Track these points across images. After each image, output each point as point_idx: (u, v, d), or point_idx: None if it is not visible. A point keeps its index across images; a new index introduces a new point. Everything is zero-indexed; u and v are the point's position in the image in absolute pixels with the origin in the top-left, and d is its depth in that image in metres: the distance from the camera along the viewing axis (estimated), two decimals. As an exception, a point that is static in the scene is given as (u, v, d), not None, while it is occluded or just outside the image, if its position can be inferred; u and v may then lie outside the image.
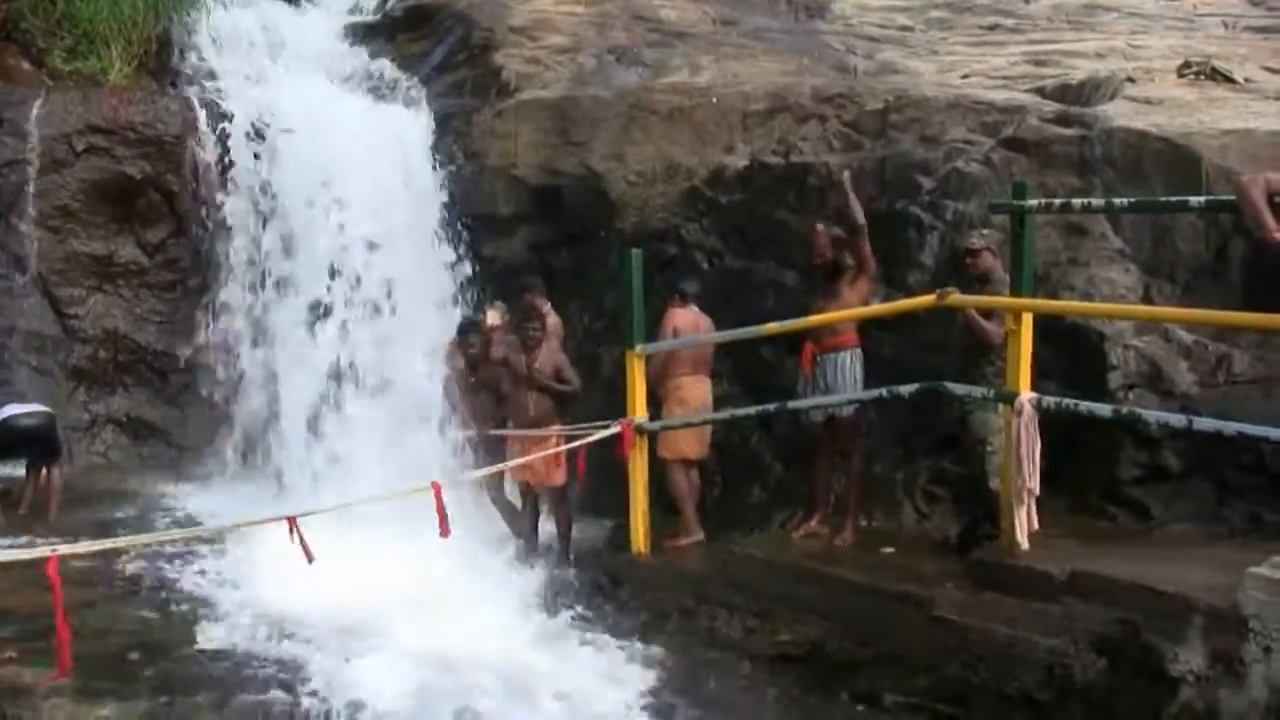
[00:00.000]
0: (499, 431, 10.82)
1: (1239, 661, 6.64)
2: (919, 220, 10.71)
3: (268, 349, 12.27)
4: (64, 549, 6.94)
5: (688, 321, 10.51)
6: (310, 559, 7.39)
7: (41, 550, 6.92)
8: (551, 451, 10.13)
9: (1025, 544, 8.16)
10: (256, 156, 12.68)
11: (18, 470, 11.43)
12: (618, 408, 10.11)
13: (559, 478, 10.47)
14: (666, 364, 10.45)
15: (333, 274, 12.10)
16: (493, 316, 11.49)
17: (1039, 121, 10.95)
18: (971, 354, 8.99)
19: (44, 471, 11.28)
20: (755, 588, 8.99)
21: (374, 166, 12.57)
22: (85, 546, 7.88)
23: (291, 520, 7.46)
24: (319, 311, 12.03)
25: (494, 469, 10.22)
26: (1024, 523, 8.18)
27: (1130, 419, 8.41)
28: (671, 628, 9.10)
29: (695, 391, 10.56)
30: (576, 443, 9.90)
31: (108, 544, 8.29)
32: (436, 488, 8.26)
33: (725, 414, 10.51)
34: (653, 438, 10.08)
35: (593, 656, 8.81)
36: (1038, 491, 8.20)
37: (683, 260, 11.99)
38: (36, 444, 11.23)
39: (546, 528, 10.86)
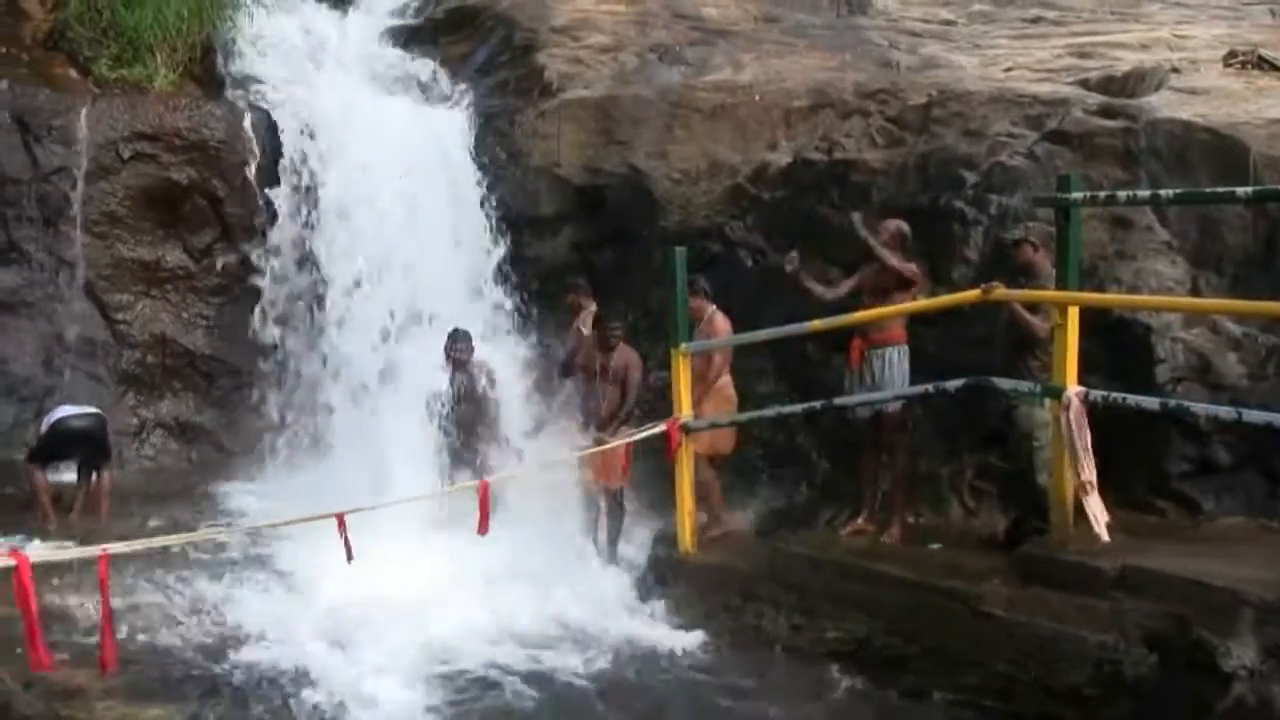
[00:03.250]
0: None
1: (1291, 656, 6.61)
2: (963, 215, 10.64)
3: (312, 349, 12.37)
4: (113, 548, 6.96)
5: (728, 322, 10.46)
6: (350, 557, 7.42)
7: (91, 550, 6.95)
8: (597, 450, 10.09)
9: (1105, 535, 8.02)
10: (301, 160, 12.73)
11: (66, 475, 11.54)
12: (661, 406, 10.08)
13: (615, 480, 10.40)
14: (721, 365, 10.42)
15: (376, 273, 12.24)
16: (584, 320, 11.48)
17: (1083, 114, 10.85)
18: (1017, 348, 8.94)
19: (94, 475, 11.38)
20: (802, 585, 8.98)
21: (417, 169, 12.63)
22: (133, 545, 7.86)
23: (340, 518, 7.49)
24: (361, 312, 12.17)
25: (555, 462, 10.25)
26: (1096, 515, 8.05)
27: (1179, 412, 8.33)
28: (719, 625, 9.13)
29: (732, 389, 10.55)
30: (619, 441, 9.88)
31: (156, 542, 8.32)
32: (484, 486, 8.30)
33: (772, 411, 10.48)
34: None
35: (642, 655, 8.84)
36: (1095, 483, 8.12)
37: (726, 258, 11.96)
38: (88, 445, 11.33)
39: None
